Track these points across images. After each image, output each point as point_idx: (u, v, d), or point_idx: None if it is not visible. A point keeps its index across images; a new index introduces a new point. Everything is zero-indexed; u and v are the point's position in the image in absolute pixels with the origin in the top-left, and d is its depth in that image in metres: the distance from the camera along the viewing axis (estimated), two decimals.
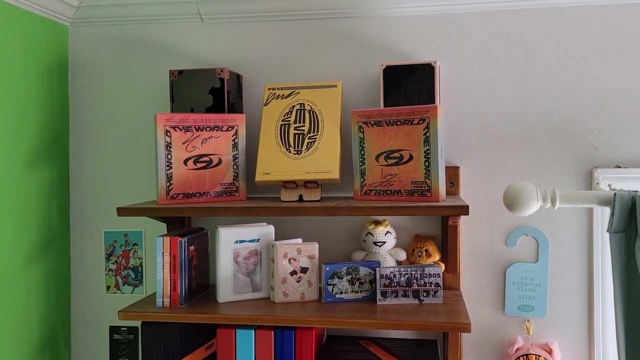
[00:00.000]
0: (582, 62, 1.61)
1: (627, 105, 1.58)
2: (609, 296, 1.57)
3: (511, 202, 1.30)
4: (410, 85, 1.56)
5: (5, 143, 1.62)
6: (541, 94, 1.63)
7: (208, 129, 1.57)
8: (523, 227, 1.64)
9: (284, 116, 1.58)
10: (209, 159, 1.58)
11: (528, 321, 1.63)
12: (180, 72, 1.66)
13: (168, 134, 1.53)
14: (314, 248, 1.55)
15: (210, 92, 1.64)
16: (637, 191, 1.27)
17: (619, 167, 1.58)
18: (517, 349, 1.59)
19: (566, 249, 1.62)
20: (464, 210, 1.35)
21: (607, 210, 1.40)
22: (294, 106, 1.59)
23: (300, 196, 1.52)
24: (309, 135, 1.55)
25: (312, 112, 1.57)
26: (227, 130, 1.59)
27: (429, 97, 1.55)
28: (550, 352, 1.58)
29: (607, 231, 1.29)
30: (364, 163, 1.53)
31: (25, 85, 1.70)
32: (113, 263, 1.87)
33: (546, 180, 1.63)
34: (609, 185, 1.55)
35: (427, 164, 1.43)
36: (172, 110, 1.66)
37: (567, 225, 1.62)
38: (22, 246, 1.69)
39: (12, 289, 1.65)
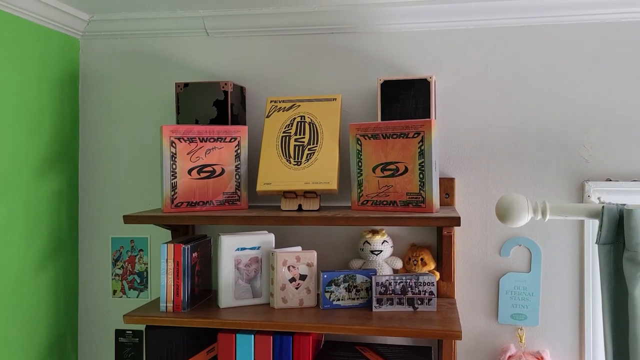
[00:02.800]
0: (574, 78, 1.66)
1: (618, 119, 1.63)
2: (600, 306, 1.60)
3: (503, 213, 1.33)
4: (407, 99, 1.61)
5: (18, 152, 1.69)
6: (534, 108, 1.68)
7: (212, 140, 1.64)
8: (516, 237, 1.69)
9: (285, 128, 1.64)
10: (212, 169, 1.64)
11: (521, 329, 1.67)
12: (186, 84, 1.72)
13: (173, 144, 1.60)
14: (312, 256, 1.61)
15: (214, 105, 1.70)
16: (624, 204, 1.30)
17: (610, 180, 1.62)
18: (510, 357, 1.63)
19: (558, 259, 1.66)
20: (456, 221, 1.40)
21: (597, 222, 1.44)
22: (294, 118, 1.65)
23: (300, 206, 1.58)
24: (309, 146, 1.61)
25: (312, 124, 1.63)
26: (230, 141, 1.65)
27: (425, 111, 1.60)
28: (541, 359, 1.62)
29: (595, 243, 1.32)
30: (362, 174, 1.58)
31: (38, 95, 1.77)
32: (119, 268, 1.94)
33: (539, 192, 1.67)
34: (599, 198, 1.59)
35: (421, 176, 1.49)
36: (178, 122, 1.72)
37: (559, 237, 1.66)
38: (33, 251, 1.76)
39: (23, 293, 1.72)
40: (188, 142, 1.61)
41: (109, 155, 1.94)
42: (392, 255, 1.70)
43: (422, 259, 1.66)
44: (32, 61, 1.74)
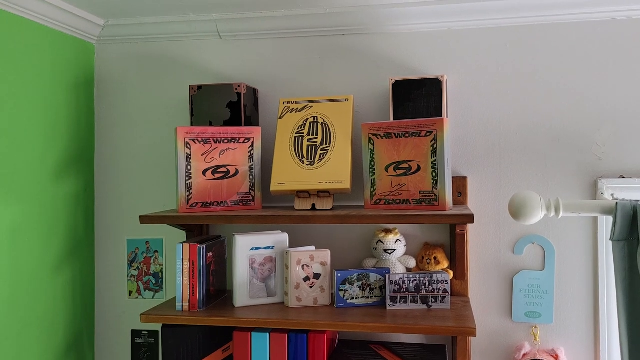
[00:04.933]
0: (585, 76, 1.66)
1: (630, 117, 1.63)
2: (614, 302, 1.60)
3: (516, 211, 1.34)
4: (418, 98, 1.63)
5: (35, 155, 1.72)
6: (546, 106, 1.68)
7: (226, 141, 1.66)
8: (530, 235, 1.69)
9: (298, 129, 1.66)
10: (226, 170, 1.66)
11: (535, 327, 1.67)
12: (200, 87, 1.75)
13: (188, 146, 1.62)
14: (326, 255, 1.62)
15: (228, 106, 1.72)
16: (638, 200, 1.30)
17: (623, 177, 1.62)
18: (524, 355, 1.63)
19: (572, 257, 1.66)
20: (469, 218, 1.41)
21: (611, 219, 1.44)
22: (307, 119, 1.67)
23: (313, 205, 1.59)
24: (322, 146, 1.62)
25: (325, 124, 1.65)
26: (243, 142, 1.67)
27: (437, 110, 1.61)
28: (556, 357, 1.62)
29: (609, 239, 1.32)
30: (374, 173, 1.60)
31: (54, 100, 1.80)
32: (135, 269, 1.96)
33: (552, 190, 1.67)
34: (612, 195, 1.59)
35: (434, 174, 1.49)
36: (192, 124, 1.75)
37: (573, 234, 1.66)
38: (50, 253, 1.78)
39: (41, 294, 1.74)
40: (202, 143, 1.63)
41: (125, 157, 1.97)
42: (406, 254, 1.71)
43: (435, 258, 1.66)
44: (48, 66, 1.77)
